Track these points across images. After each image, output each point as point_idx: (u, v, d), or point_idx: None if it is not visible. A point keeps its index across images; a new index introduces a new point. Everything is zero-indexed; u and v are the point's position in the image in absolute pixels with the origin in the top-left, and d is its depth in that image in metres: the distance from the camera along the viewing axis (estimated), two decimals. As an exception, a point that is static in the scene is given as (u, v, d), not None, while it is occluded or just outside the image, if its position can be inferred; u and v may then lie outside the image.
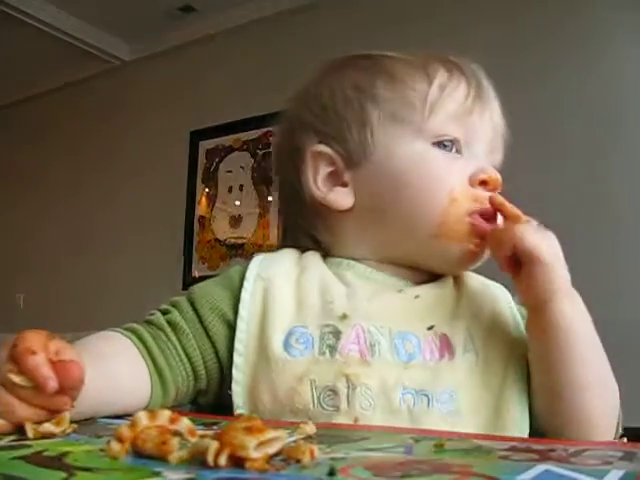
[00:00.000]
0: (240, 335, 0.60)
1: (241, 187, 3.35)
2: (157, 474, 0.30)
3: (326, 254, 0.67)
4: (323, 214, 0.66)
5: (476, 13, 2.68)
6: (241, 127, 3.34)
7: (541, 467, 0.31)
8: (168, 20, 3.55)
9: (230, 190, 3.40)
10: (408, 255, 0.65)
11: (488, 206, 0.62)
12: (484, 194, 0.62)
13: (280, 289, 0.62)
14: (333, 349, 0.58)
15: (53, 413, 0.42)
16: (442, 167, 0.62)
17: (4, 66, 3.90)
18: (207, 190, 3.47)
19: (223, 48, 3.48)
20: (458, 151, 0.64)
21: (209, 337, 0.62)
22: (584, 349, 0.57)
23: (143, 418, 0.34)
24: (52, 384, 0.41)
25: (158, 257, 3.49)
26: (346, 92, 0.67)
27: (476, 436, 0.44)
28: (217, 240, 3.38)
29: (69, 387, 0.42)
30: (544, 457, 0.35)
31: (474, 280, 0.67)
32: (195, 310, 0.63)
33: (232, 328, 0.61)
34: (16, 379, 0.41)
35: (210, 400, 0.64)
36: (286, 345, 0.58)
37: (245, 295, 0.62)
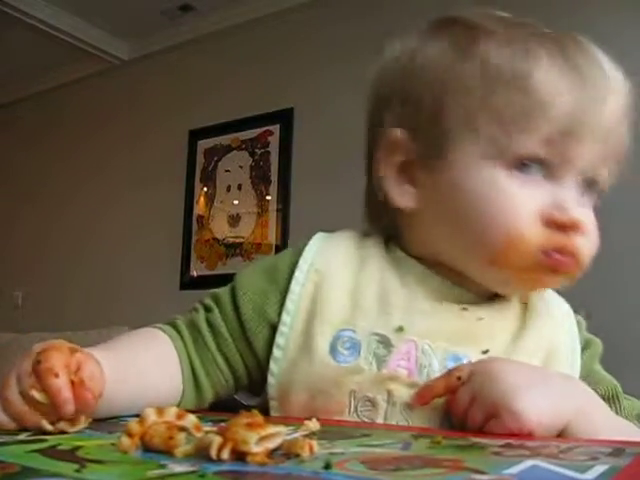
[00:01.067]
0: (283, 329, 0.58)
1: (239, 186, 3.34)
2: (163, 466, 0.32)
3: (390, 239, 0.63)
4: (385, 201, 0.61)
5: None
6: (240, 126, 3.33)
7: (529, 462, 0.32)
8: (167, 19, 3.55)
9: (228, 189, 3.39)
10: (468, 273, 0.59)
11: (566, 244, 0.54)
12: (559, 235, 0.54)
13: (334, 285, 0.59)
14: (381, 361, 0.55)
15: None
16: (511, 198, 0.54)
17: (4, 66, 3.90)
18: (205, 189, 3.46)
19: (222, 47, 3.48)
20: (544, 173, 0.54)
21: (248, 340, 0.61)
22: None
23: (151, 414, 0.36)
24: (69, 408, 0.43)
25: (156, 256, 3.50)
26: (431, 71, 0.58)
27: (474, 434, 0.45)
28: (215, 239, 3.37)
29: (83, 410, 0.44)
30: (534, 453, 0.36)
31: (541, 304, 0.62)
32: (236, 308, 0.61)
33: (273, 328, 0.59)
34: (37, 396, 0.43)
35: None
36: (332, 349, 0.56)
37: (295, 287, 0.59)
